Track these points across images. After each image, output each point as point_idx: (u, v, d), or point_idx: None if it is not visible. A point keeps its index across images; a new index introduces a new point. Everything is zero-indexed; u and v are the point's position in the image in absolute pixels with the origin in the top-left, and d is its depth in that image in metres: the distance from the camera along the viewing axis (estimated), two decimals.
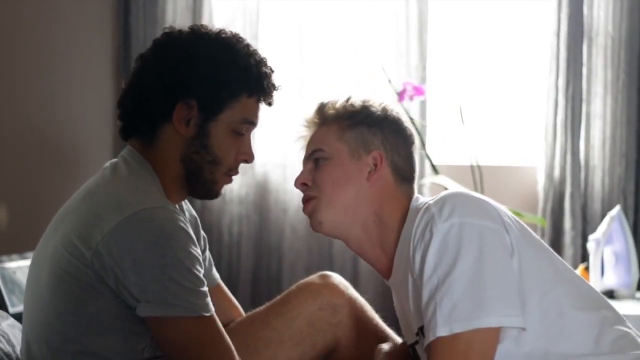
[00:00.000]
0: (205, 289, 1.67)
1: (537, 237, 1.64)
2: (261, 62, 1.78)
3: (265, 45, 3.57)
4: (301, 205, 1.75)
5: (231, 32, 1.80)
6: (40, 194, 3.44)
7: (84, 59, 3.63)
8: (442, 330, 1.47)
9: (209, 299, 1.67)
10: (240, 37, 1.79)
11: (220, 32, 1.78)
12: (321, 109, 1.75)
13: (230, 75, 1.74)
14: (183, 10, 3.62)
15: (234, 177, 1.82)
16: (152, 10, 3.60)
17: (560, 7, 3.41)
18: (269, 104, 1.82)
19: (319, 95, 3.53)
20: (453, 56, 3.63)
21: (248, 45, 1.78)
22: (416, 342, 1.69)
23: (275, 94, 1.81)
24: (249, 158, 1.80)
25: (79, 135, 3.61)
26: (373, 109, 1.73)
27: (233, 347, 1.69)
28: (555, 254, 1.64)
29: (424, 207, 1.58)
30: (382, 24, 3.57)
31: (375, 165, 1.69)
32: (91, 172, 1.84)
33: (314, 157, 1.72)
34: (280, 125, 3.60)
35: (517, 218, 1.62)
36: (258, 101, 1.79)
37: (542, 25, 3.50)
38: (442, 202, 1.55)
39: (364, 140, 1.70)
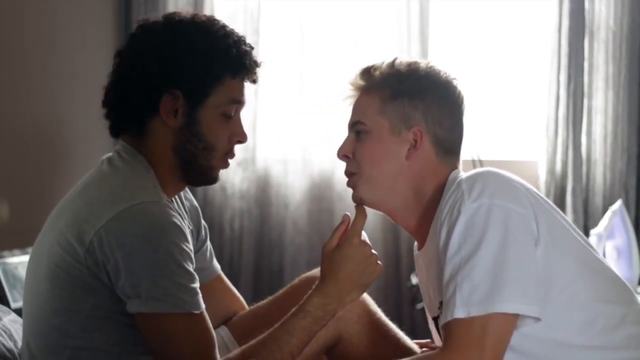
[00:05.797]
0: (196, 285, 1.64)
1: (570, 223, 1.62)
2: (240, 41, 1.75)
3: (266, 42, 3.57)
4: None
5: (205, 15, 1.77)
6: (42, 189, 3.44)
7: (85, 56, 3.62)
8: (459, 312, 1.47)
9: (199, 296, 1.64)
10: (215, 19, 1.76)
11: (195, 17, 1.75)
12: (367, 72, 1.71)
13: (211, 59, 1.71)
14: (184, 7, 3.62)
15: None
16: (153, 7, 3.60)
17: (561, 2, 3.41)
18: (254, 82, 1.79)
19: (319, 92, 3.55)
20: (454, 51, 3.63)
21: (224, 26, 1.75)
22: (438, 316, 1.69)
23: (258, 70, 1.78)
24: (242, 138, 1.77)
25: (80, 131, 3.61)
26: (419, 74, 1.69)
27: (217, 347, 1.65)
28: (587, 242, 1.62)
29: (456, 182, 1.57)
30: (383, 19, 3.57)
31: (415, 142, 1.67)
32: (92, 168, 1.83)
33: (356, 129, 1.70)
34: (281, 121, 3.61)
35: (550, 202, 1.60)
36: (242, 80, 1.77)
37: (543, 20, 3.50)
38: (473, 181, 1.54)
39: (404, 115, 1.67)
